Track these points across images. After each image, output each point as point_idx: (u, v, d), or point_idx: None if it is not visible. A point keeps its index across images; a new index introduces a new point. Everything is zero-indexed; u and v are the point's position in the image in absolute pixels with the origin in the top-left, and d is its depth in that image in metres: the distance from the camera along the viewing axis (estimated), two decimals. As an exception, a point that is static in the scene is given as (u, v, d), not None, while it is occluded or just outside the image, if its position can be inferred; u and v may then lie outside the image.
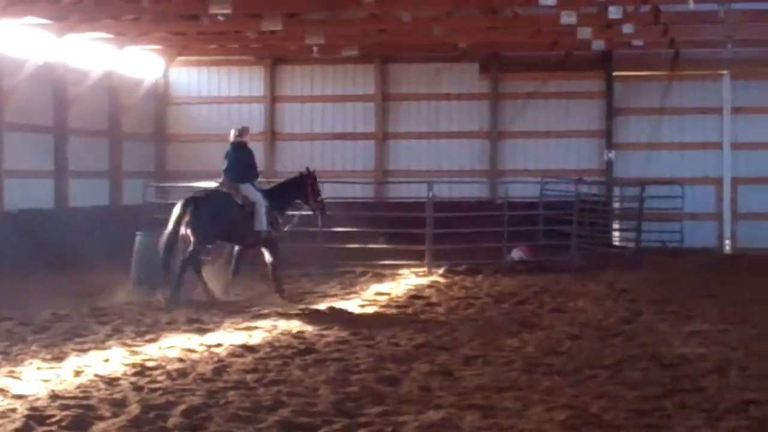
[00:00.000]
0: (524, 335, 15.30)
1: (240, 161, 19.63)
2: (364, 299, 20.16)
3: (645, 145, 32.99)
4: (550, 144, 33.64)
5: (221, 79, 35.06)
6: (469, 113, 34.18)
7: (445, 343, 14.64)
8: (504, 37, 31.61)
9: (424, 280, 23.93)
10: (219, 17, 25.78)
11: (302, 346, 14.11)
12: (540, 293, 21.04)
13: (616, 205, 33.21)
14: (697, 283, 23.01)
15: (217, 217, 19.03)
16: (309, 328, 15.87)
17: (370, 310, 18.64)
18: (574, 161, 33.29)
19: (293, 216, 20.69)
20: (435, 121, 34.24)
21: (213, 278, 19.54)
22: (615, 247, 31.90)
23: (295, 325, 16.18)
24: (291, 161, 32.92)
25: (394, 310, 18.52)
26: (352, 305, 19.09)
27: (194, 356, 13.27)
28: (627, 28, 27.86)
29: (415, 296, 20.65)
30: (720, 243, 32.25)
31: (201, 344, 14.20)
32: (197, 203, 18.95)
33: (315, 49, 31.15)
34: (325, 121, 34.65)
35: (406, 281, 23.82)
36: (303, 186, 20.22)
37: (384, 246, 26.88)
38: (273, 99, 34.59)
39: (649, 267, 26.50)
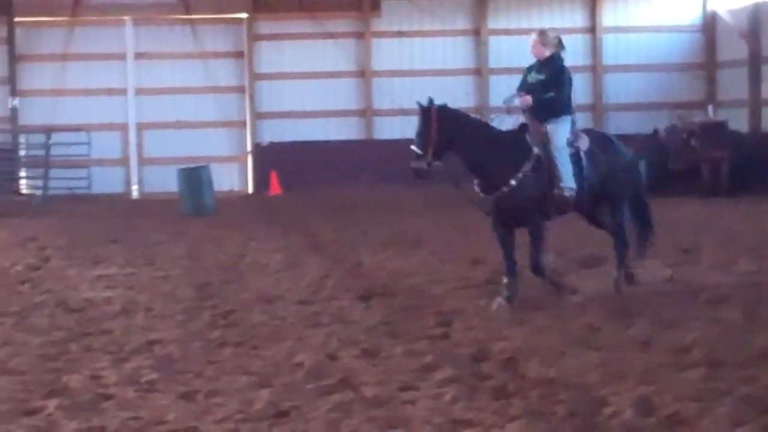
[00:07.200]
0: None
1: None
2: None
3: (50, 91, 32.72)
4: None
5: None
6: None
7: None
8: None
9: None
10: None
11: None
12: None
13: (23, 152, 32.77)
14: (105, 228, 23.20)
15: None
16: None
17: None
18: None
19: None
20: None
21: None
22: (23, 195, 31.56)
23: None
24: None
25: None
26: None
27: None
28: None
29: None
30: (128, 188, 32.72)
31: None
32: None
33: None
34: None
35: None
36: None
37: None
38: None
39: (58, 214, 26.42)
